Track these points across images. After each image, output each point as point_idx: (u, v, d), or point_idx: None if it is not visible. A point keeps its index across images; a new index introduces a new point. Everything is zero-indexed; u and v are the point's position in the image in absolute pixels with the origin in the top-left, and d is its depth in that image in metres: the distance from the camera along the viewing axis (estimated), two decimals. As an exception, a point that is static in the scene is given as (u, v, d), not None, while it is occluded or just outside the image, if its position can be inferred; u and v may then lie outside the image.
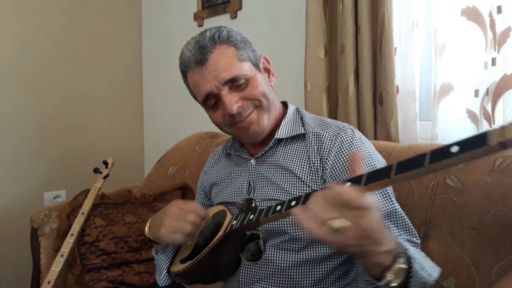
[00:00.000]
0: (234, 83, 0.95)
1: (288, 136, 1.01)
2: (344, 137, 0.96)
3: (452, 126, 1.28)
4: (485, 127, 1.23)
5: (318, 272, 0.93)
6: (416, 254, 0.75)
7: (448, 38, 1.26)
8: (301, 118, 1.06)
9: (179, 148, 1.89)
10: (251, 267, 0.96)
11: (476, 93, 1.24)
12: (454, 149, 0.52)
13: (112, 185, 1.77)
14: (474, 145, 0.51)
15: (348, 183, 0.62)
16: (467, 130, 1.26)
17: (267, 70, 1.07)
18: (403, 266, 0.68)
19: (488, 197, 0.98)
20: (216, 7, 2.11)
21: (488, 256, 0.96)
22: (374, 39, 1.43)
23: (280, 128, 1.02)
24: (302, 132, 1.01)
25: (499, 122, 1.19)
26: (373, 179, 0.60)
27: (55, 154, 2.18)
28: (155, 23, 2.49)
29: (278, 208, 0.75)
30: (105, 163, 1.69)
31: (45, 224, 1.53)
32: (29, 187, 2.09)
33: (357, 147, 0.95)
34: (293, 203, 0.71)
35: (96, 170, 1.66)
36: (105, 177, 1.63)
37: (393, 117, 1.37)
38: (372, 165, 0.92)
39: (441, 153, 0.54)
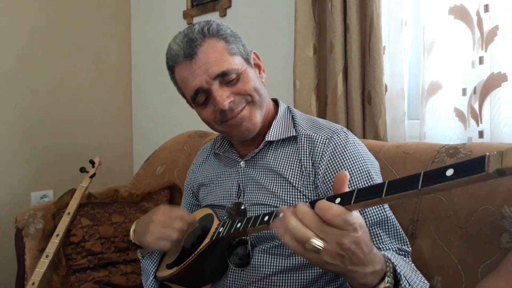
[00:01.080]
0: (225, 78, 0.92)
1: (279, 138, 0.98)
2: (338, 141, 0.93)
3: (440, 125, 1.28)
4: (472, 125, 1.23)
5: (307, 277, 0.91)
6: (405, 269, 0.74)
7: (436, 36, 1.26)
8: (293, 118, 1.02)
9: (167, 147, 1.87)
10: (239, 272, 0.94)
11: (464, 91, 1.24)
12: (449, 172, 0.50)
13: (101, 185, 1.75)
14: (470, 170, 0.48)
15: (338, 199, 0.60)
16: (455, 129, 1.26)
17: (258, 66, 1.04)
18: (390, 286, 0.67)
19: (475, 195, 0.98)
20: (205, 5, 2.10)
21: (475, 255, 0.96)
22: (363, 37, 1.42)
23: (271, 129, 0.99)
24: (294, 134, 0.98)
25: (486, 120, 1.19)
26: (363, 198, 0.58)
27: (42, 154, 2.15)
28: (144, 20, 2.47)
29: (266, 218, 0.72)
30: (92, 162, 1.67)
31: (30, 224, 1.50)
32: (16, 187, 2.07)
33: (350, 152, 0.92)
34: (281, 215, 0.68)
35: (83, 170, 1.64)
36: (91, 177, 1.62)
37: (382, 116, 1.37)
38: (368, 179, 0.91)
39: (435, 175, 0.51)
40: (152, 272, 1.05)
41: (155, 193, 1.66)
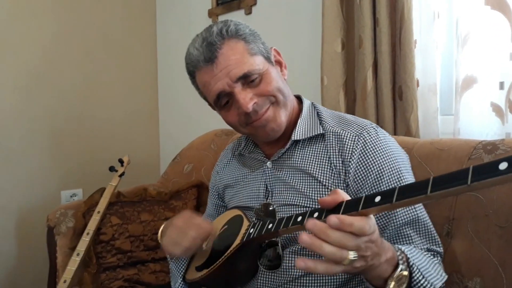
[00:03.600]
0: (247, 79, 0.89)
1: (305, 137, 0.95)
2: (368, 138, 0.90)
3: (476, 120, 1.23)
4: (510, 121, 1.18)
5: (338, 278, 0.89)
6: (421, 260, 0.74)
7: (471, 28, 1.21)
8: (318, 115, 1.00)
9: (195, 145, 1.87)
10: (270, 274, 0.92)
11: (501, 85, 1.19)
12: (503, 165, 0.46)
13: (128, 184, 1.77)
14: None
15: (378, 197, 0.58)
16: (492, 124, 1.21)
17: (279, 63, 1.00)
18: (404, 273, 0.68)
19: (516, 194, 0.93)
20: (230, 3, 2.09)
21: (517, 255, 0.92)
22: (393, 31, 1.38)
23: (297, 128, 0.96)
24: (321, 132, 0.95)
25: (526, 115, 1.14)
26: (406, 195, 0.55)
27: (71, 153, 2.19)
28: (169, 21, 2.49)
29: (299, 219, 0.70)
30: (121, 161, 1.69)
31: (61, 223, 1.53)
32: (47, 186, 2.11)
33: (381, 148, 0.90)
34: (316, 214, 0.67)
35: (112, 169, 1.66)
36: (120, 176, 1.63)
37: (414, 111, 1.33)
38: (399, 177, 0.88)
39: (487, 170, 0.48)
40: (180, 275, 1.04)
41: (183, 191, 1.66)
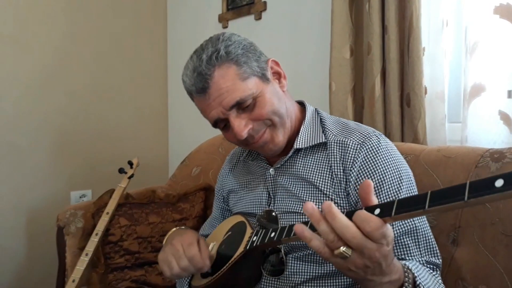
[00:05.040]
0: (240, 106, 0.89)
1: (308, 145, 0.96)
2: (370, 146, 0.90)
3: (483, 128, 1.23)
4: (518, 129, 1.18)
5: (342, 283, 0.90)
6: (427, 280, 0.73)
7: (479, 37, 1.22)
8: (321, 121, 1.00)
9: (203, 149, 1.89)
10: (273, 280, 0.93)
11: (509, 94, 1.20)
12: (499, 183, 0.46)
13: (137, 185, 1.79)
14: None
15: (378, 210, 0.59)
16: (499, 133, 1.21)
17: (278, 74, 0.99)
18: None
19: (523, 202, 0.94)
20: (240, 9, 2.11)
21: (523, 264, 0.92)
22: (402, 39, 1.39)
23: (299, 136, 0.97)
24: (323, 141, 0.95)
25: (534, 124, 1.14)
26: (404, 209, 0.56)
27: (81, 154, 2.22)
28: (180, 24, 2.51)
29: None
30: (130, 163, 1.71)
31: (70, 223, 1.55)
32: (56, 187, 2.13)
33: (383, 157, 0.90)
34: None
35: (121, 170, 1.67)
36: (130, 177, 1.65)
37: (421, 118, 1.33)
38: (399, 186, 0.88)
39: (483, 186, 0.48)
40: (186, 282, 1.06)
41: (191, 194, 1.68)
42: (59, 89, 2.13)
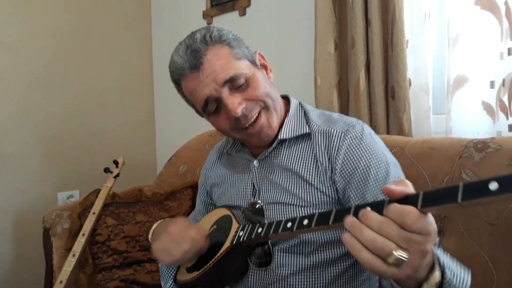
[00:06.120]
0: (234, 83, 0.89)
1: (292, 136, 0.96)
2: (354, 134, 0.90)
3: (467, 119, 1.25)
4: (501, 119, 1.19)
5: (329, 274, 0.90)
6: (446, 259, 0.68)
7: (461, 28, 1.23)
8: (305, 114, 1.00)
9: (190, 146, 1.88)
10: (260, 272, 0.93)
11: (492, 84, 1.21)
12: (493, 186, 0.44)
13: (126, 184, 1.78)
14: None
15: (368, 208, 0.55)
16: (483, 123, 1.22)
17: (264, 66, 1.00)
18: (437, 277, 0.61)
19: (506, 191, 0.94)
20: (224, 5, 2.10)
21: (507, 252, 0.93)
22: (385, 32, 1.39)
23: (283, 127, 0.96)
24: (307, 131, 0.95)
25: (516, 114, 1.15)
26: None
27: (68, 155, 2.19)
28: (164, 23, 2.49)
29: (289, 225, 0.70)
30: (116, 162, 1.70)
31: (57, 224, 1.53)
32: (43, 188, 2.11)
33: (367, 144, 0.90)
34: (305, 221, 0.66)
35: (107, 170, 1.66)
36: (115, 177, 1.64)
37: (406, 111, 1.34)
38: (387, 173, 0.87)
39: (476, 189, 0.46)
40: (171, 276, 1.05)
41: (178, 192, 1.67)
42: (45, 91, 2.11)
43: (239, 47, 0.92)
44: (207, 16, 2.19)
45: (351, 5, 1.43)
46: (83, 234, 1.44)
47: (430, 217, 0.53)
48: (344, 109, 1.54)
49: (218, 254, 0.88)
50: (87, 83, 2.26)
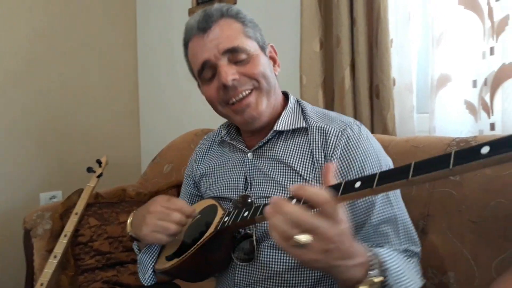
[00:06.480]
0: (234, 55, 0.90)
1: (288, 128, 0.95)
2: (351, 134, 0.90)
3: (450, 118, 1.26)
4: (483, 118, 1.20)
5: (316, 273, 0.89)
6: (398, 265, 0.72)
7: (445, 28, 1.24)
8: (302, 110, 1.00)
9: (174, 145, 1.86)
10: (247, 269, 0.91)
11: (474, 83, 1.22)
12: (485, 150, 0.46)
13: (110, 184, 1.75)
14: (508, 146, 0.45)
15: (358, 183, 0.58)
16: (466, 122, 1.23)
17: (273, 59, 1.01)
18: (376, 279, 0.66)
19: (488, 189, 0.95)
20: (210, 2, 2.08)
21: (488, 250, 0.94)
22: (370, 31, 1.40)
23: (280, 119, 0.95)
24: (304, 125, 0.95)
25: (498, 112, 1.16)
26: (387, 180, 0.55)
27: (51, 155, 2.16)
28: (149, 19, 2.47)
29: None
30: (99, 162, 1.67)
31: (38, 225, 1.50)
32: (25, 188, 2.07)
33: (363, 145, 0.90)
34: (294, 201, 0.66)
35: (90, 170, 1.63)
36: (98, 176, 1.61)
37: (390, 110, 1.35)
38: (380, 168, 0.88)
39: (469, 154, 0.48)
40: (151, 266, 0.99)
41: (163, 191, 1.65)
42: (26, 89, 2.07)
43: (253, 28, 0.95)
44: (193, 13, 2.17)
45: (337, 3, 1.43)
46: (65, 235, 1.41)
47: (341, 207, 0.60)
48: (329, 108, 1.54)
49: (202, 239, 0.85)
50: (70, 81, 2.23)
